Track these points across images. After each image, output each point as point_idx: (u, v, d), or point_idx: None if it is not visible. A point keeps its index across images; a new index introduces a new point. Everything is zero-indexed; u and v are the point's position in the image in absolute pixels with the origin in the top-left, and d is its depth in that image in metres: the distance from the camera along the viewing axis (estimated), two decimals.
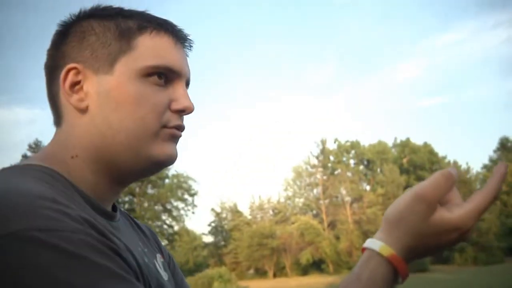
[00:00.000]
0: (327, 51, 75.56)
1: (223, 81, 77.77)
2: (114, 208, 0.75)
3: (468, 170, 43.54)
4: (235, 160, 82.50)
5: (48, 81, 0.72)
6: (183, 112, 0.71)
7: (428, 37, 77.29)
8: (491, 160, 54.95)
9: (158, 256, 0.80)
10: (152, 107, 0.67)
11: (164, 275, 0.75)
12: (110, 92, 0.67)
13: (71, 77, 0.67)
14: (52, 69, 0.71)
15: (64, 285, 0.47)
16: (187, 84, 0.74)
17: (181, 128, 0.72)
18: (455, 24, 76.28)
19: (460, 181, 40.84)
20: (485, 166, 54.32)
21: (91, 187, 0.67)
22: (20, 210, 0.51)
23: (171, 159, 0.70)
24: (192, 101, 0.72)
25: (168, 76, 0.70)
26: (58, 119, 0.71)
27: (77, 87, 0.68)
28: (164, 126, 0.69)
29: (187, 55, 0.75)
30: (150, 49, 0.68)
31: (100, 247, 0.52)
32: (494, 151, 54.67)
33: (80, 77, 0.68)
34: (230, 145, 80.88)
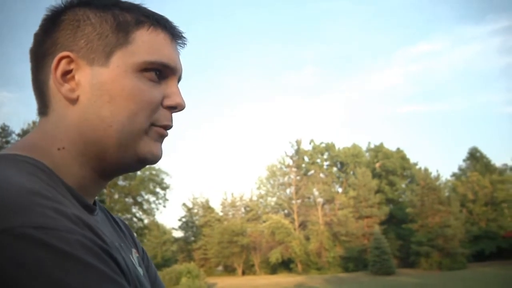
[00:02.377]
0: (306, 56, 75.98)
1: (199, 78, 77.18)
2: (94, 201, 0.73)
3: (438, 177, 44.44)
4: (209, 156, 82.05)
5: (35, 68, 0.69)
6: (174, 108, 0.71)
7: (405, 47, 78.68)
8: (460, 168, 56.43)
9: (134, 251, 0.79)
10: (146, 102, 0.66)
11: (140, 271, 0.74)
12: (104, 84, 0.65)
13: (63, 65, 0.65)
14: (41, 56, 0.68)
15: (59, 285, 0.47)
16: (179, 80, 0.74)
17: (169, 127, 0.71)
18: (432, 35, 77.75)
19: (429, 188, 41.73)
20: (454, 174, 55.74)
21: (77, 180, 0.66)
22: (14, 206, 0.50)
23: (156, 159, 0.70)
24: (184, 99, 0.72)
25: (162, 72, 0.69)
26: (44, 108, 0.68)
27: (68, 76, 0.66)
28: (153, 124, 0.68)
29: (180, 53, 0.75)
30: (147, 44, 0.67)
31: (95, 249, 0.52)
32: (464, 160, 56.15)
33: (72, 66, 0.65)
34: (205, 141, 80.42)
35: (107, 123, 0.65)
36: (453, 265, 36.73)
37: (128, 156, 0.67)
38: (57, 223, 0.50)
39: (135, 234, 0.88)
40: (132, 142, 0.66)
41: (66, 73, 0.65)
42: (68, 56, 0.65)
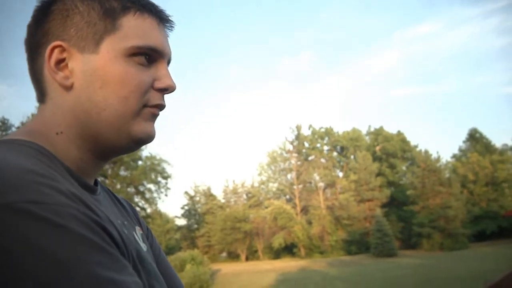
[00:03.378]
0: (303, 41, 75.48)
1: (200, 66, 76.90)
2: (95, 182, 0.77)
3: (438, 159, 44.55)
4: (210, 144, 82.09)
5: (30, 58, 0.72)
6: (165, 90, 0.73)
7: (402, 29, 78.11)
8: (460, 150, 56.52)
9: (137, 228, 0.82)
10: (136, 86, 0.69)
11: (143, 246, 0.77)
12: (96, 71, 0.68)
13: (55, 54, 0.68)
14: (34, 46, 0.71)
15: (51, 256, 0.49)
16: (168, 63, 0.76)
17: (161, 107, 0.74)
18: (429, 16, 77.24)
19: (430, 169, 41.87)
20: (454, 156, 55.84)
21: (75, 162, 0.69)
22: (11, 183, 0.53)
23: (150, 138, 0.72)
24: (174, 81, 0.74)
25: (151, 56, 0.71)
26: (41, 96, 0.71)
27: (62, 64, 0.68)
28: (145, 105, 0.71)
29: (168, 36, 0.76)
30: (134, 29, 0.69)
31: (87, 221, 0.54)
32: (464, 142, 56.22)
33: (65, 55, 0.68)
34: (206, 129, 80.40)
35: (100, 107, 0.67)
36: (454, 245, 37.07)
37: (123, 137, 0.70)
38: (51, 198, 0.53)
39: (139, 213, 0.91)
40: (125, 124, 0.69)
41: (60, 62, 0.68)
42: (60, 46, 0.68)
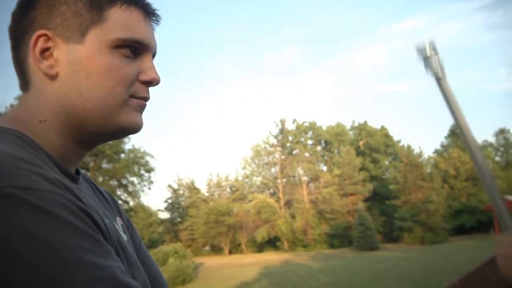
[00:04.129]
0: (288, 35, 75.45)
1: (185, 60, 76.26)
2: (77, 172, 0.77)
3: (420, 154, 45.14)
4: (194, 137, 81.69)
5: (14, 46, 0.72)
6: (150, 83, 0.74)
7: (388, 24, 78.68)
8: (442, 145, 57.37)
9: (118, 219, 0.83)
10: (121, 77, 0.70)
11: (124, 237, 0.78)
12: (81, 61, 0.68)
13: (40, 43, 0.68)
14: (19, 34, 0.71)
15: (38, 241, 0.50)
16: (153, 56, 0.77)
17: (146, 99, 0.75)
18: (415, 12, 77.95)
19: (412, 164, 42.38)
20: (436, 151, 56.66)
21: (58, 150, 0.69)
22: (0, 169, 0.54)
23: (137, 127, 0.74)
24: (159, 74, 0.75)
25: (137, 48, 0.72)
26: (25, 84, 0.72)
27: (47, 53, 0.69)
28: (132, 96, 0.72)
29: (154, 29, 0.77)
30: (120, 21, 0.70)
31: (73, 208, 0.55)
32: (445, 137, 57.08)
33: (49, 44, 0.68)
34: (189, 122, 79.95)
35: (85, 97, 0.68)
36: (435, 239, 37.65)
37: (110, 126, 0.71)
38: (39, 184, 0.54)
39: (121, 206, 0.91)
40: (112, 113, 0.70)
41: (45, 51, 0.68)
42: (45, 34, 0.68)
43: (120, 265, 0.58)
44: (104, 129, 0.71)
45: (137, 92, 0.72)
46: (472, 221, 42.40)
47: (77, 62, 0.68)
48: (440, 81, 0.97)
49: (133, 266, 0.73)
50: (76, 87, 0.68)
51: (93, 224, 0.58)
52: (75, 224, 0.54)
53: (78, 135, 0.71)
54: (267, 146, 52.19)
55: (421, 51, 0.97)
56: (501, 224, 0.97)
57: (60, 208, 0.53)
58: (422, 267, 17.92)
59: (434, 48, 0.97)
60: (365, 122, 55.19)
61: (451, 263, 16.94)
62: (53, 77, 0.69)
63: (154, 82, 0.74)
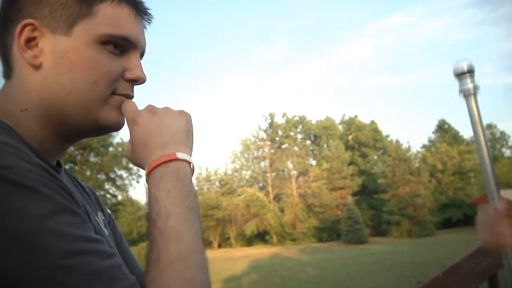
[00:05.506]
0: (278, 29, 75.30)
1: (174, 53, 75.71)
2: (59, 164, 0.77)
3: (408, 149, 45.50)
4: None
5: (0, 33, 0.71)
6: (135, 82, 0.73)
7: (377, 19, 78.87)
8: (429, 140, 57.88)
9: (99, 214, 0.82)
10: (105, 73, 0.68)
11: (105, 231, 0.78)
12: (66, 53, 0.67)
13: (26, 32, 0.67)
14: (6, 22, 0.69)
15: (21, 215, 0.50)
16: (142, 55, 0.76)
17: (130, 97, 0.73)
18: (404, 7, 78.22)
19: (400, 159, 42.71)
20: (424, 146, 57.16)
21: (38, 141, 0.68)
22: None
23: (118, 126, 0.73)
24: (145, 73, 0.74)
25: (124, 46, 0.71)
26: (8, 72, 0.71)
27: (32, 43, 0.67)
28: (114, 93, 0.71)
29: (145, 28, 0.76)
30: (110, 17, 0.69)
31: (53, 186, 0.56)
32: (433, 132, 57.58)
33: (36, 34, 0.67)
34: None
35: (67, 90, 0.67)
36: (422, 232, 38.06)
37: (89, 123, 0.70)
38: (18, 164, 0.55)
39: (100, 199, 0.90)
40: (93, 109, 0.69)
41: (30, 40, 0.67)
42: (32, 24, 0.67)
43: (102, 238, 0.59)
44: (83, 125, 0.70)
45: (119, 89, 0.71)
46: (459, 215, 42.94)
47: (62, 54, 0.67)
48: (469, 99, 1.01)
49: None
50: (59, 79, 0.67)
51: (74, 202, 0.58)
52: (56, 199, 0.54)
53: (58, 128, 0.70)
54: (257, 140, 52.18)
55: (457, 68, 1.01)
56: (488, 195, 1.03)
57: (40, 184, 0.54)
58: (409, 260, 18.11)
59: (470, 68, 1.00)
60: (355, 117, 55.42)
61: (438, 255, 17.14)
62: (37, 67, 0.67)
63: (139, 80, 0.73)
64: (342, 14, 73.66)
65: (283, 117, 52.89)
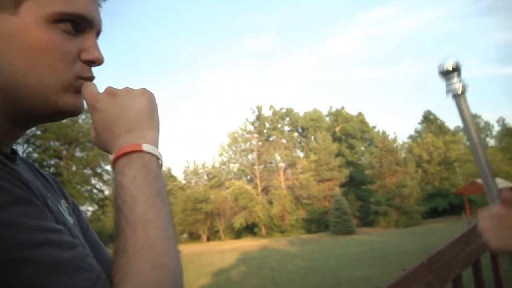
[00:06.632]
0: (265, 21, 75.02)
1: (161, 46, 74.98)
2: (14, 152, 0.72)
3: (395, 139, 45.88)
4: (170, 124, 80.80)
5: None
6: (93, 63, 0.68)
7: (364, 11, 79.03)
8: (416, 131, 58.44)
9: (62, 201, 0.77)
10: (61, 55, 0.63)
11: (69, 219, 0.73)
12: (15, 34, 0.61)
13: None
14: None
15: None
16: (98, 35, 0.70)
17: (92, 79, 0.69)
18: (390, 0, 78.40)
19: (387, 150, 43.05)
20: (410, 136, 57.70)
21: None
22: None
23: (78, 110, 0.68)
24: (103, 54, 0.69)
25: (79, 24, 0.65)
26: None
27: None
28: (79, 77, 0.66)
29: (100, 5, 0.71)
30: None
31: (5, 175, 0.52)
32: (419, 123, 58.14)
33: None
34: (166, 109, 79.02)
35: (21, 73, 0.61)
36: (409, 222, 38.50)
37: (49, 108, 0.65)
38: None
39: (63, 187, 0.86)
40: (53, 94, 0.64)
41: None
42: None
43: (63, 228, 0.56)
44: (41, 110, 0.65)
45: (82, 73, 0.66)
46: (444, 204, 43.55)
47: (12, 35, 0.60)
48: (458, 98, 0.98)
49: None
50: (10, 61, 0.61)
51: (31, 192, 0.55)
52: (10, 190, 0.51)
53: (11, 113, 0.64)
54: (244, 132, 52.10)
55: (442, 67, 0.97)
56: (488, 197, 0.99)
57: None
58: (397, 249, 18.31)
59: (456, 66, 0.98)
60: (342, 108, 55.65)
61: (424, 244, 17.35)
62: None
63: (97, 62, 0.68)
64: (328, 6, 73.69)
65: (270, 109, 52.89)
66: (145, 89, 0.70)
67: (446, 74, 0.97)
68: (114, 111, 0.66)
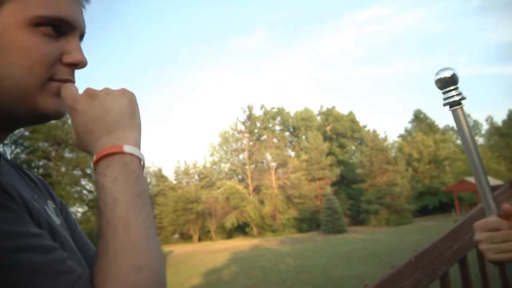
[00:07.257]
0: (256, 20, 75.02)
1: (151, 45, 74.60)
2: None
3: (385, 138, 46.18)
4: (161, 124, 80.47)
5: None
6: (75, 66, 0.67)
7: (355, 10, 79.38)
8: (406, 130, 58.85)
9: (49, 202, 0.77)
10: (40, 57, 0.62)
11: (57, 220, 0.73)
12: None
13: None
14: None
15: None
16: (81, 37, 0.70)
17: (70, 82, 0.68)
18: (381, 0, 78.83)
19: (378, 149, 43.30)
20: (400, 135, 58.11)
21: None
22: None
23: (58, 114, 0.67)
24: (85, 56, 0.68)
25: (61, 27, 0.65)
26: None
27: None
28: (52, 79, 0.65)
29: (84, 7, 0.70)
30: None
31: None
32: (409, 122, 58.57)
33: None
34: (156, 109, 78.65)
35: (0, 76, 0.61)
36: (399, 220, 38.76)
37: (27, 111, 0.64)
38: None
39: (51, 188, 0.86)
40: (30, 97, 0.63)
41: None
42: None
43: (43, 232, 0.55)
44: (20, 113, 0.64)
45: (57, 74, 0.65)
46: (434, 202, 43.92)
47: None
48: (455, 110, 0.98)
49: (66, 249, 0.68)
50: None
51: (9, 197, 0.54)
52: None
53: None
54: (235, 132, 52.03)
55: (441, 80, 0.97)
56: (484, 208, 0.98)
57: None
58: (387, 248, 18.44)
59: (454, 78, 0.96)
60: (333, 108, 55.81)
61: (414, 242, 17.48)
62: None
63: (80, 64, 0.67)
64: (319, 5, 73.91)
65: (261, 109, 52.86)
66: (125, 89, 0.69)
67: (443, 86, 0.97)
68: (95, 112, 0.65)
